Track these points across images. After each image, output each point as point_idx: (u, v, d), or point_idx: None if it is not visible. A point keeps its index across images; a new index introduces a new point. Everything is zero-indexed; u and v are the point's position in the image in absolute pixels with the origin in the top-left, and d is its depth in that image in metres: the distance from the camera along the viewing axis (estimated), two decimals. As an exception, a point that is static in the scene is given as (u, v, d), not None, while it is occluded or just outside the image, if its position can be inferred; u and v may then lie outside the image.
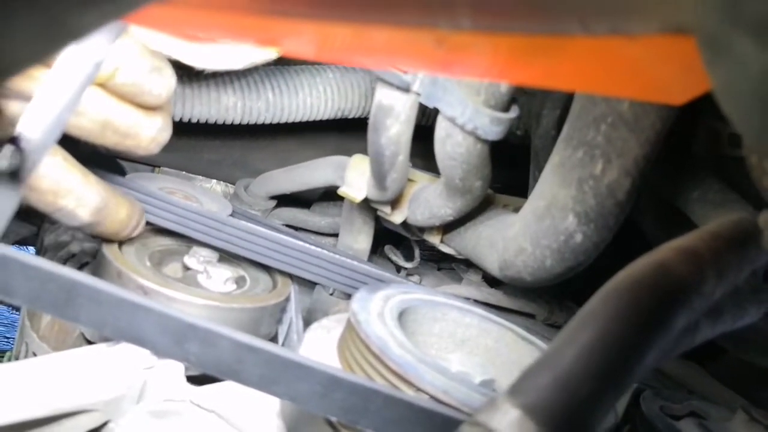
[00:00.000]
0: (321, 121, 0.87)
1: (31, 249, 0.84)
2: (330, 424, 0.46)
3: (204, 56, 0.58)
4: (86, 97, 0.46)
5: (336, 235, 0.91)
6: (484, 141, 0.54)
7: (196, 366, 0.41)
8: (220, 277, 0.59)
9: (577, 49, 0.26)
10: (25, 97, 0.35)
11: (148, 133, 0.51)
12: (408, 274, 0.92)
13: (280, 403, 0.52)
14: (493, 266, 0.63)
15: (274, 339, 0.63)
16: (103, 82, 0.45)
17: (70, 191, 0.48)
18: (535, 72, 0.26)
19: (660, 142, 0.48)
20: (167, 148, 0.94)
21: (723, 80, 0.23)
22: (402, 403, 0.42)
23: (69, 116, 0.28)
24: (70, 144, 0.53)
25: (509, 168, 0.82)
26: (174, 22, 0.26)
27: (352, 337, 0.49)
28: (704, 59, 0.23)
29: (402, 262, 0.91)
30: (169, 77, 0.49)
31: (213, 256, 0.63)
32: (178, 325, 0.39)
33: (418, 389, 0.44)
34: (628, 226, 0.66)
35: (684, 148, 0.58)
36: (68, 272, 0.39)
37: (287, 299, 0.63)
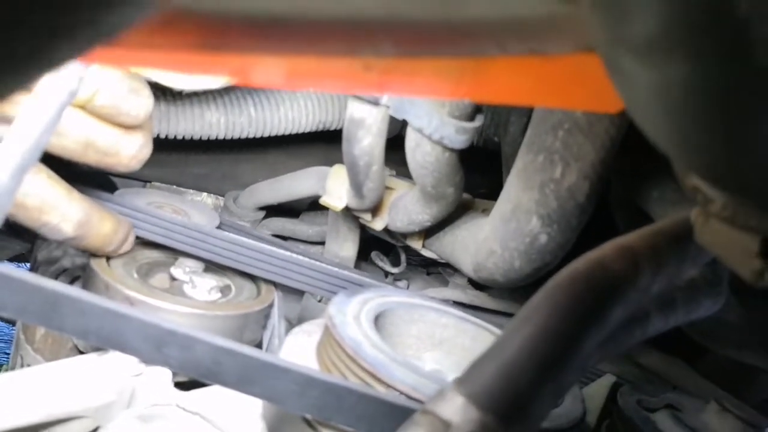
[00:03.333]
0: (308, 133, 0.90)
1: (26, 265, 0.86)
2: (308, 423, 0.48)
3: (182, 77, 0.61)
4: (68, 119, 0.48)
5: (324, 243, 0.94)
6: (452, 149, 0.56)
7: (177, 369, 0.43)
8: (205, 287, 0.62)
9: (502, 66, 0.28)
10: (6, 121, 0.38)
11: (129, 151, 0.53)
12: (396, 279, 0.94)
13: (263, 405, 0.54)
14: (468, 269, 0.65)
15: (259, 344, 0.66)
16: (84, 104, 0.48)
17: (55, 207, 0.51)
18: (467, 88, 0.29)
19: (615, 146, 0.50)
20: (157, 164, 0.96)
21: (624, 96, 0.26)
22: (374, 400, 0.44)
23: (48, 139, 0.31)
24: (61, 163, 0.56)
25: (491, 174, 0.84)
26: (135, 61, 0.29)
27: (328, 339, 0.52)
28: (608, 75, 0.26)
29: (389, 268, 0.93)
30: (147, 98, 0.52)
31: (198, 266, 0.65)
32: (158, 332, 0.42)
33: (389, 386, 0.46)
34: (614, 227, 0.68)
35: (646, 152, 0.60)
36: (53, 284, 0.41)
37: (271, 305, 0.65)
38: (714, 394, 0.80)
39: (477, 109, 0.56)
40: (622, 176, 0.59)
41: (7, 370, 0.90)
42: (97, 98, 0.48)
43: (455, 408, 0.29)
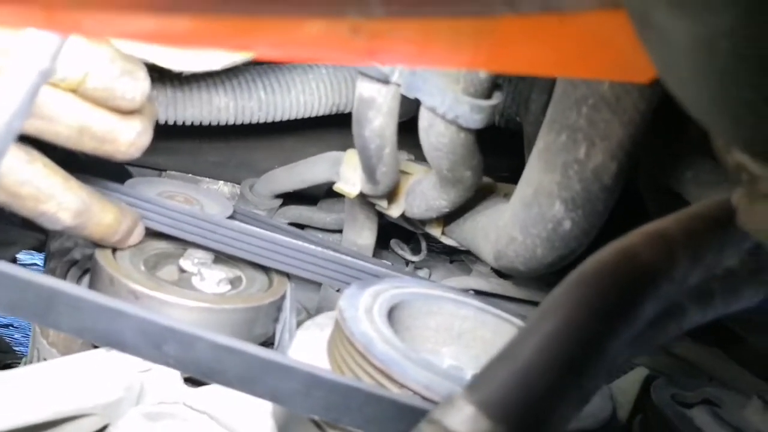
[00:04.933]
0: (324, 118, 0.87)
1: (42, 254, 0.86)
2: (317, 424, 0.46)
3: (180, 58, 0.58)
4: (60, 104, 0.46)
5: (342, 232, 0.91)
6: (467, 130, 0.53)
7: (177, 368, 0.41)
8: (213, 279, 0.59)
9: (510, 29, 0.25)
10: None
11: (127, 137, 0.51)
12: (417, 268, 0.92)
13: (272, 403, 0.52)
14: (489, 257, 0.62)
15: (271, 338, 0.64)
16: (75, 87, 0.46)
17: (51, 196, 0.49)
18: (470, 56, 0.25)
19: (645, 123, 0.46)
20: (171, 152, 0.94)
21: (657, 58, 0.22)
22: (384, 400, 0.41)
23: (20, 124, 0.28)
24: (64, 152, 0.54)
25: (513, 156, 0.80)
26: (120, 31, 0.26)
27: (339, 335, 0.49)
28: (638, 36, 0.22)
29: (409, 256, 0.91)
30: (142, 80, 0.50)
31: (208, 257, 0.63)
32: (156, 329, 0.40)
33: (402, 386, 0.43)
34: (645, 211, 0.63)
35: (679, 128, 0.56)
36: (46, 280, 0.39)
37: (283, 298, 0.63)
38: (756, 387, 0.76)
39: (494, 86, 0.52)
40: (651, 155, 0.55)
41: (26, 362, 0.90)
42: (88, 81, 0.46)
43: (463, 418, 0.26)
